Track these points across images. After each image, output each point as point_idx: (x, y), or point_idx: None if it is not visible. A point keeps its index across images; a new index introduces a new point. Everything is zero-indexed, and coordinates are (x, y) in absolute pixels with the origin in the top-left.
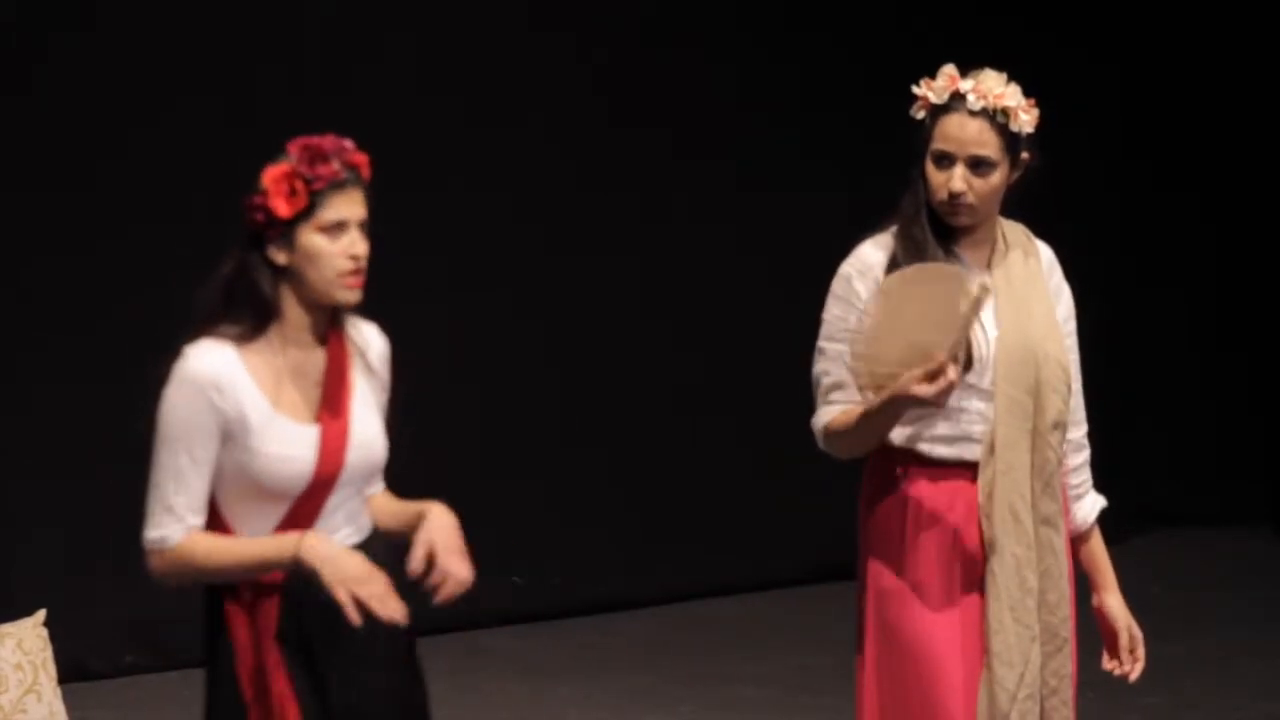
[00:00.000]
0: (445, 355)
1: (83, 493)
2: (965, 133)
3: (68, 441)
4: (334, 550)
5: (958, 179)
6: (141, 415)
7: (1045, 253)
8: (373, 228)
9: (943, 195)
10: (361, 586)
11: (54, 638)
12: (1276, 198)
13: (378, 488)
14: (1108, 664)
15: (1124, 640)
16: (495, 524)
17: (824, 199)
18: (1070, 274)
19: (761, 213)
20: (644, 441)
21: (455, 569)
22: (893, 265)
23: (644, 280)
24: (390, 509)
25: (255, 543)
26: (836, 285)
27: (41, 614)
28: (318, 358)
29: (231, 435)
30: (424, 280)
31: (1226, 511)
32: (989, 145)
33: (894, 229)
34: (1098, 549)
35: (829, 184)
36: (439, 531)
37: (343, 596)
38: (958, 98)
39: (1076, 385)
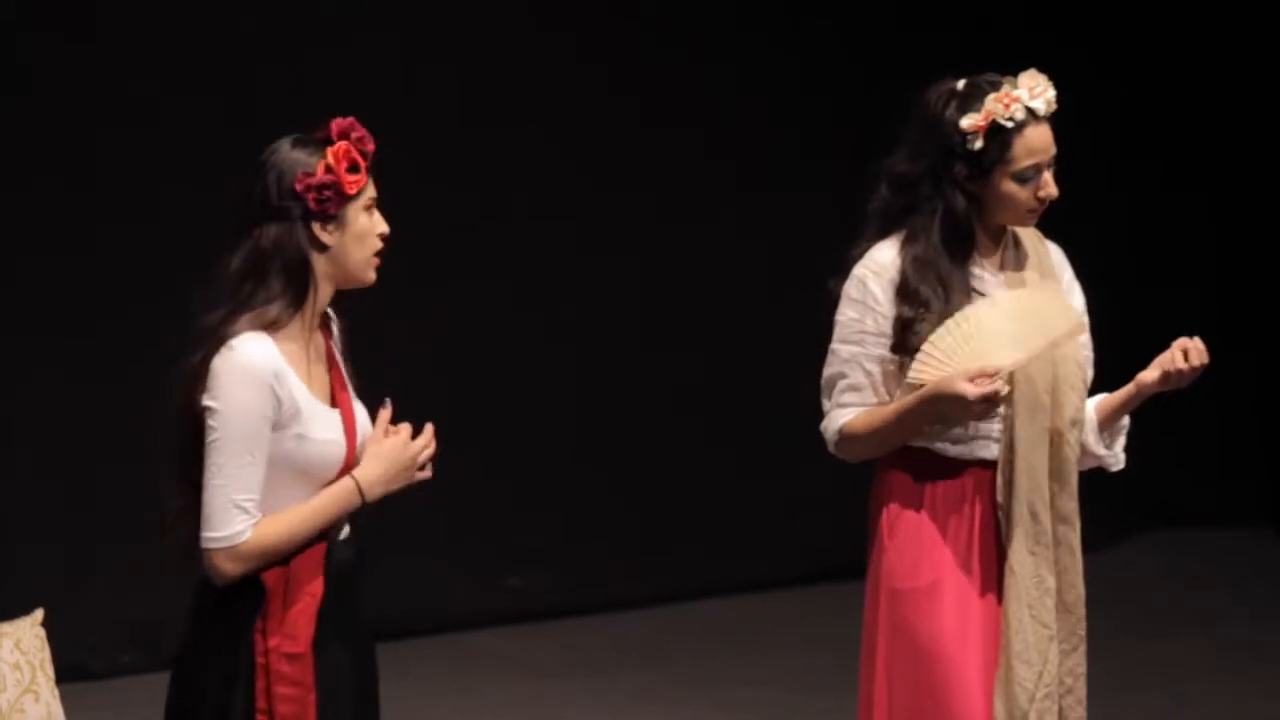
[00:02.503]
0: (443, 356)
1: (82, 493)
2: (1047, 139)
3: (68, 441)
4: (378, 469)
5: (1052, 184)
6: (142, 416)
7: (1055, 252)
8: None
9: (1034, 205)
10: (419, 463)
11: (52, 637)
12: None
13: None
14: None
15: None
16: (494, 525)
17: (824, 199)
18: (1075, 273)
19: (762, 212)
20: (643, 442)
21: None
22: (904, 276)
23: (644, 280)
24: None
25: (315, 504)
26: (851, 288)
27: (39, 613)
28: (321, 341)
29: (284, 423)
30: (421, 281)
31: (1226, 511)
32: (1054, 139)
33: (901, 237)
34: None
35: (830, 183)
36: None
37: (420, 477)
38: (1030, 112)
39: (1089, 374)
